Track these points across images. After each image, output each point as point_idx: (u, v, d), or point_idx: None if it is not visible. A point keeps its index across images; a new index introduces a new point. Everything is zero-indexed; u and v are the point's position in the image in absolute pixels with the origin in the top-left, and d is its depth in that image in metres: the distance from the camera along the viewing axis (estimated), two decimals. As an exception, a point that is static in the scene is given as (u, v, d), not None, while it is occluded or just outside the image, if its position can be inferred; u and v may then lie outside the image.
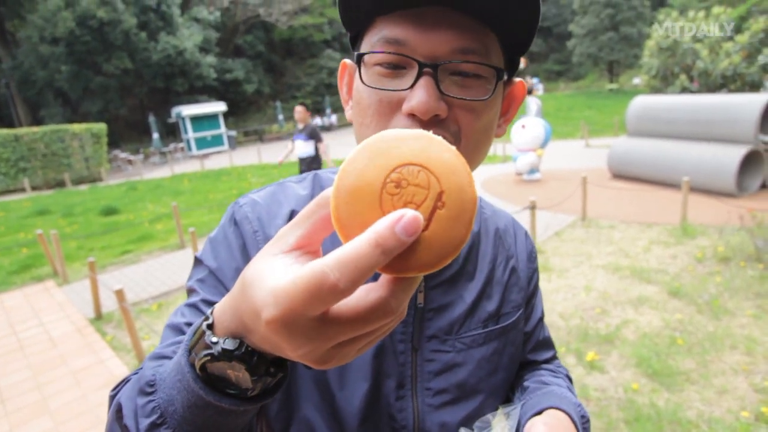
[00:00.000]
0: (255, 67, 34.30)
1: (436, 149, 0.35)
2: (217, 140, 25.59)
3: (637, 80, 30.42)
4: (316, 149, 6.87)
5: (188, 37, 28.35)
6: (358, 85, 0.61)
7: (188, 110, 24.08)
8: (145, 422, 0.45)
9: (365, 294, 0.32)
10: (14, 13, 26.77)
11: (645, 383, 3.08)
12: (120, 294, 3.70)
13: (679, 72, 11.87)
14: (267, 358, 0.41)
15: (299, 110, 6.95)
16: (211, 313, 0.42)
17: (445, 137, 0.53)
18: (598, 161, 11.14)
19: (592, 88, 35.51)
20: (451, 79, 0.56)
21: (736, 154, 7.15)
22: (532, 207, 5.63)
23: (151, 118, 24.88)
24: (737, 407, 2.79)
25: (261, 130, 30.67)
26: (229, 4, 33.56)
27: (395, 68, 0.56)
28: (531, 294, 0.86)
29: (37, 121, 26.78)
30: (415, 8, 0.54)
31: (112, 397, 0.55)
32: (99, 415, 3.16)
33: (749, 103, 7.29)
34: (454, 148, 0.36)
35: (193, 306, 0.63)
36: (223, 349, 0.39)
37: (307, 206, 0.38)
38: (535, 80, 38.93)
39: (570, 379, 0.89)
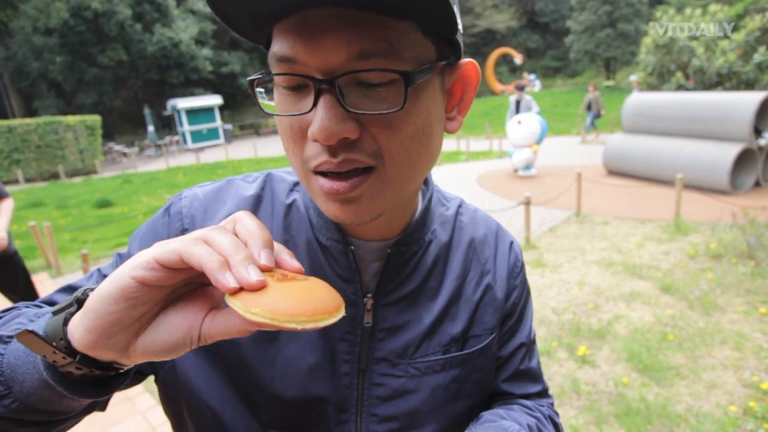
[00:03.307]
0: (251, 60, 34.08)
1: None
2: (212, 133, 25.43)
3: (633, 77, 30.44)
4: None
5: (184, 29, 28.12)
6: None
7: (184, 103, 23.90)
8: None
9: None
10: (7, 3, 26.44)
11: (635, 377, 3.11)
12: (113, 286, 3.69)
13: (675, 69, 11.90)
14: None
15: None
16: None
17: (361, 161, 0.48)
18: (594, 158, 11.17)
19: (589, 85, 35.50)
20: (358, 90, 0.47)
21: (730, 151, 7.18)
22: (527, 202, 5.65)
23: (146, 111, 24.71)
24: (726, 401, 2.82)
25: (257, 124, 30.52)
26: (225, -4, 33.32)
27: (297, 89, 0.49)
28: (508, 314, 0.75)
29: (31, 113, 26.55)
30: (298, 13, 0.45)
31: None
32: (92, 407, 3.17)
33: (744, 101, 7.32)
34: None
35: (99, 271, 0.66)
36: (65, 305, 0.44)
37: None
38: (532, 76, 38.89)
39: (554, 424, 0.75)
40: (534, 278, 4.80)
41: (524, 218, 5.78)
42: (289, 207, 0.66)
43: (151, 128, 24.55)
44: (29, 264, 6.66)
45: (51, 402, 0.46)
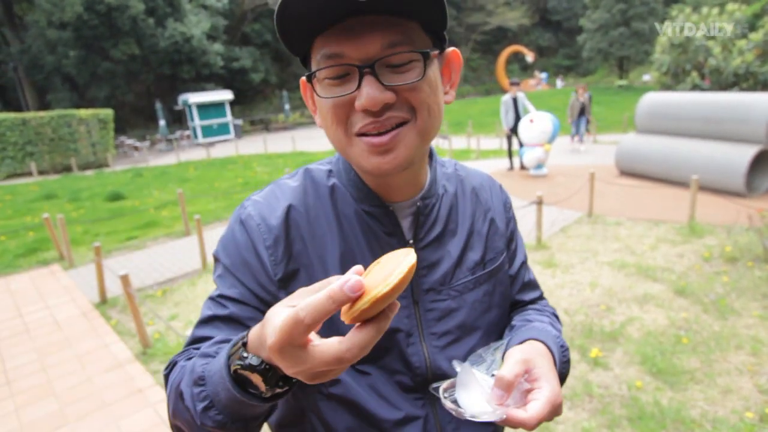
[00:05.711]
0: (262, 55, 34.14)
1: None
2: (223, 129, 25.55)
3: (647, 77, 30.12)
4: None
5: (196, 24, 28.21)
6: (317, 98, 0.72)
7: (195, 98, 24.03)
8: (200, 405, 0.62)
9: (337, 343, 0.46)
10: (22, -3, 26.71)
11: (649, 381, 3.07)
12: (125, 279, 3.72)
13: (690, 69, 11.73)
14: (278, 373, 0.55)
15: None
16: (247, 334, 0.57)
17: (401, 117, 0.67)
18: (606, 158, 11.06)
19: (601, 84, 35.18)
20: (389, 71, 0.65)
21: (746, 153, 7.06)
22: (539, 202, 5.60)
23: (158, 105, 24.87)
24: (741, 407, 2.77)
25: (267, 120, 30.60)
26: (237, -8, 33.33)
27: (341, 77, 0.66)
28: (509, 238, 0.97)
29: (45, 106, 26.85)
30: (342, 22, 0.63)
31: (166, 376, 0.74)
32: (104, 399, 3.19)
33: (761, 102, 7.19)
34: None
35: (213, 299, 0.79)
36: (250, 363, 0.55)
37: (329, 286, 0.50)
38: (543, 75, 38.53)
39: (556, 316, 0.99)
40: (545, 278, 4.76)
41: (536, 218, 5.73)
42: (332, 188, 0.82)
43: (162, 122, 24.70)
44: (42, 255, 6.74)
45: (241, 410, 0.60)
